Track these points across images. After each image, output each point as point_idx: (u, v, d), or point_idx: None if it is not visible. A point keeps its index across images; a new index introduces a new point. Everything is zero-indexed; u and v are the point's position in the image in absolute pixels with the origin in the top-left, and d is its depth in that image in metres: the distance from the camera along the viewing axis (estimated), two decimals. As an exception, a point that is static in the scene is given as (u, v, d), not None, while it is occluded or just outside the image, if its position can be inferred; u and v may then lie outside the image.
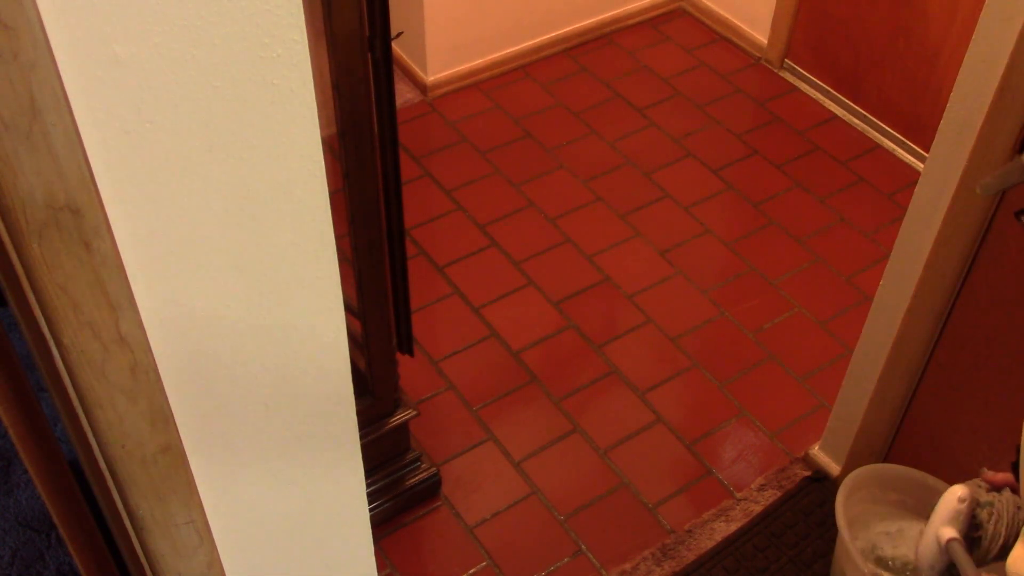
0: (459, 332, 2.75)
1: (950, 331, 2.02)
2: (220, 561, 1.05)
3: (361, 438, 1.13)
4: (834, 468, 2.40)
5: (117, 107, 0.74)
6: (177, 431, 0.89)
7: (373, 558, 1.30)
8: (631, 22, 3.72)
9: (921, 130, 3.17)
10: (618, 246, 2.97)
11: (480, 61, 3.48)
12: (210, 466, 0.99)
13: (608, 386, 2.63)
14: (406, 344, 2.15)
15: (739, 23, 3.63)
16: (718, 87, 3.49)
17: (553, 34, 3.58)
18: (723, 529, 2.35)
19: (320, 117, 0.87)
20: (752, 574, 2.26)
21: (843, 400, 2.30)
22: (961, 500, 1.34)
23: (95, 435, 0.84)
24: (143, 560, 0.98)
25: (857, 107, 3.35)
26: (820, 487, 2.41)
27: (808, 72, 3.48)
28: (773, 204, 3.10)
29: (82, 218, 0.72)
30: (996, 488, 1.37)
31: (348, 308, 1.78)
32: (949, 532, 1.33)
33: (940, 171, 1.84)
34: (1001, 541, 1.32)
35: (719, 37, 3.69)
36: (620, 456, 2.49)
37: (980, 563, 1.33)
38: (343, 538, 1.23)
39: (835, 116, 3.39)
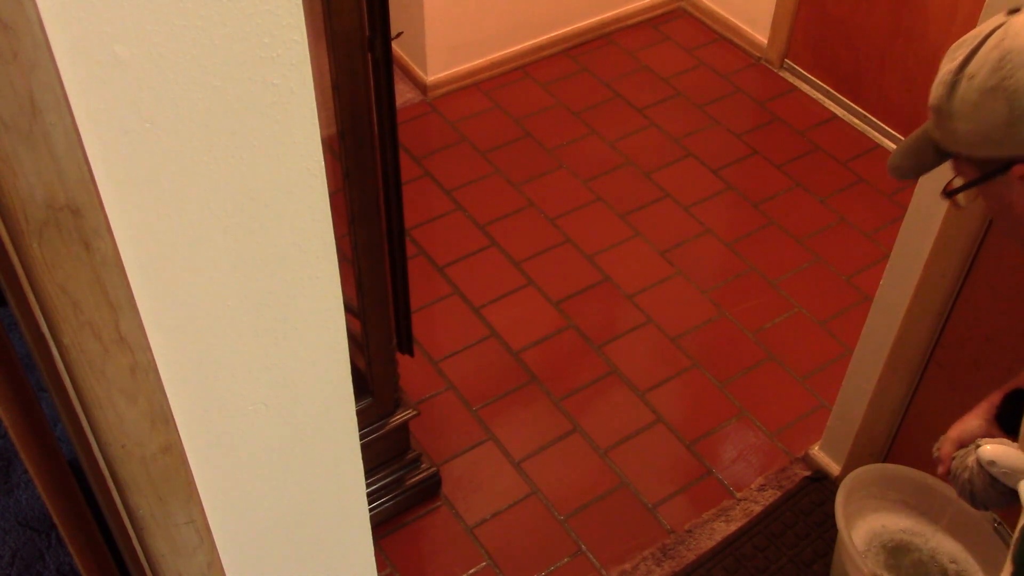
0: (459, 332, 2.75)
1: (950, 331, 2.02)
2: (220, 561, 1.04)
3: (361, 438, 1.14)
4: (834, 468, 2.40)
5: (117, 107, 0.73)
6: (177, 431, 0.89)
7: (373, 558, 1.30)
8: (631, 22, 3.72)
9: (921, 130, 3.17)
10: (618, 246, 2.97)
11: (480, 61, 3.48)
12: (210, 466, 0.99)
13: (608, 386, 2.63)
14: (406, 344, 2.15)
15: (739, 23, 3.63)
16: (718, 87, 3.49)
17: (553, 34, 3.58)
18: (723, 529, 2.35)
19: (320, 117, 0.87)
20: (752, 574, 2.26)
21: (843, 400, 2.30)
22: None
23: (95, 435, 0.84)
24: (143, 560, 0.98)
25: (857, 107, 3.35)
26: (820, 487, 2.41)
27: (808, 72, 3.48)
28: (773, 204, 3.10)
29: (82, 218, 0.72)
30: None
31: (348, 308, 1.79)
32: None
33: (940, 171, 1.84)
34: (968, 492, 1.40)
35: (719, 37, 3.69)
36: (620, 456, 2.49)
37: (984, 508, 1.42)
38: (343, 538, 1.23)
39: (835, 116, 3.39)
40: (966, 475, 1.40)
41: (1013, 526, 1.51)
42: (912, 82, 3.13)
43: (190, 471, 0.93)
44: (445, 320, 2.78)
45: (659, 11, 3.76)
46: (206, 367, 0.93)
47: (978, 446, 1.39)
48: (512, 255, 2.94)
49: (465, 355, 2.70)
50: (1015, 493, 1.35)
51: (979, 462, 1.38)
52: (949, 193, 1.24)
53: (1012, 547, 1.25)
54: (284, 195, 0.87)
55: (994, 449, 1.36)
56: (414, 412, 2.25)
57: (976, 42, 1.12)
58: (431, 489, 2.38)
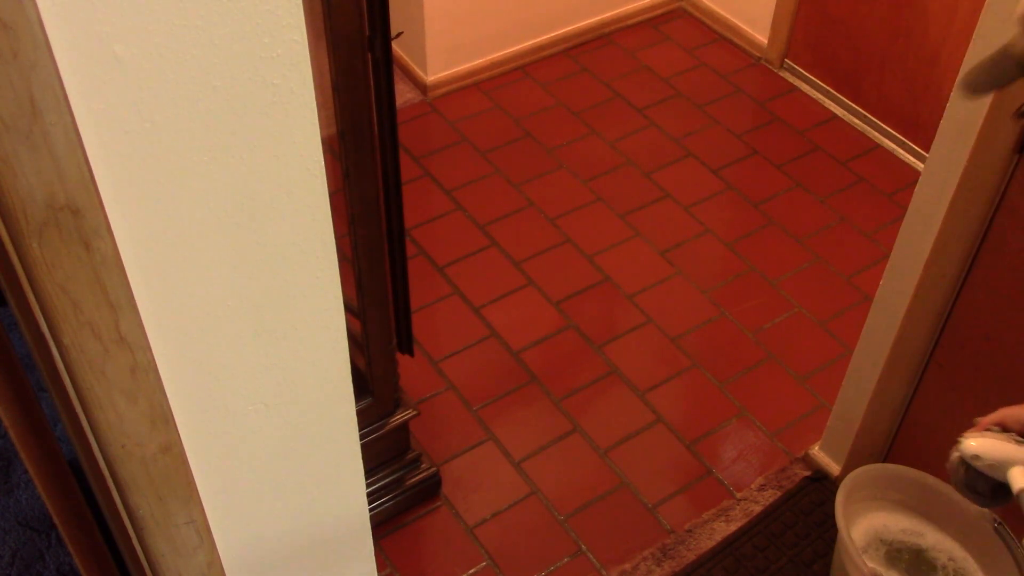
0: (459, 332, 2.75)
1: (950, 331, 2.02)
2: (220, 561, 1.05)
3: (361, 438, 1.13)
4: (834, 468, 2.40)
5: (117, 107, 0.74)
6: (177, 431, 0.89)
7: (373, 558, 1.30)
8: (631, 22, 3.72)
9: (921, 130, 3.17)
10: (618, 246, 2.97)
11: (480, 61, 3.48)
12: (210, 466, 0.99)
13: (608, 386, 2.63)
14: (406, 344, 2.15)
15: (739, 23, 3.63)
16: (718, 87, 3.49)
17: (553, 34, 3.58)
18: (723, 529, 2.35)
19: (320, 117, 0.87)
20: (752, 574, 2.26)
21: (843, 400, 2.30)
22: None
23: (95, 435, 0.84)
24: (143, 560, 0.98)
25: (857, 107, 3.35)
26: (820, 487, 2.41)
27: (808, 72, 3.48)
28: (773, 204, 3.10)
29: (82, 218, 0.72)
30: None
31: (348, 308, 1.79)
32: None
33: (940, 171, 1.84)
34: (953, 481, 1.39)
35: (719, 37, 3.69)
36: (620, 456, 2.49)
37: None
38: (343, 538, 1.23)
39: (835, 116, 3.39)
40: (950, 466, 1.39)
41: (1012, 526, 1.50)
42: (912, 82, 3.13)
43: (190, 471, 0.93)
44: (445, 320, 2.78)
45: (659, 11, 3.76)
46: (206, 367, 0.93)
47: (959, 442, 1.37)
48: (512, 255, 2.94)
49: (465, 355, 2.70)
50: (999, 492, 1.34)
51: (961, 458, 1.36)
52: (1021, 114, 1.21)
53: None
54: (284, 195, 0.87)
55: (979, 443, 1.34)
56: (414, 412, 2.25)
57: None
58: (431, 489, 2.38)
